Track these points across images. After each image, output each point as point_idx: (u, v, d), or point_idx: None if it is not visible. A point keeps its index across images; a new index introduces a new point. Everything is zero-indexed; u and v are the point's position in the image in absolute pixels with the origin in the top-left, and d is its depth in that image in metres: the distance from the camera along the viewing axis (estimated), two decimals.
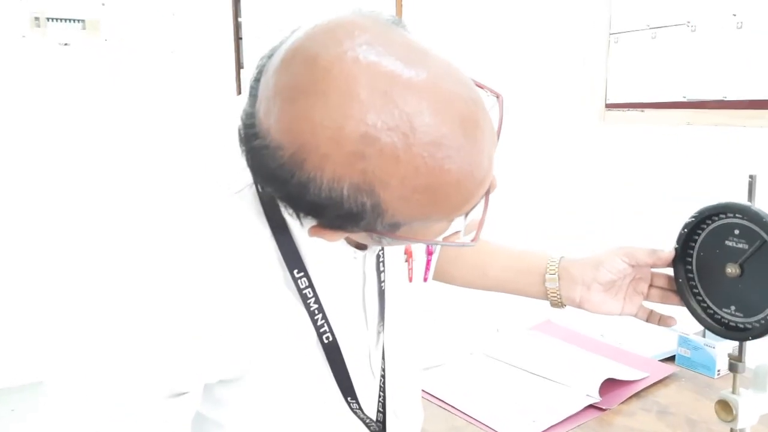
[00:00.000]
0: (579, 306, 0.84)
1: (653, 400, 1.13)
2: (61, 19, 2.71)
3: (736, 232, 0.68)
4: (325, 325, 0.61)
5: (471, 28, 3.45)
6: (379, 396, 0.71)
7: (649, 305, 0.82)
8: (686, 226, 0.72)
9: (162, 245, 0.55)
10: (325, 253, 0.59)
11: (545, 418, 1.05)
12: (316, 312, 0.60)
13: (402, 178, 0.45)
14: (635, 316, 0.83)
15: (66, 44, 2.73)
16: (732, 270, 0.68)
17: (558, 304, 0.85)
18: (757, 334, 0.66)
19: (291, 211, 0.50)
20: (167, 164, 0.65)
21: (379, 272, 0.66)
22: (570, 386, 1.13)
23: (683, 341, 1.25)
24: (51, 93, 2.76)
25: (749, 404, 0.69)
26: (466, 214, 0.52)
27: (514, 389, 1.15)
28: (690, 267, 0.73)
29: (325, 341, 0.61)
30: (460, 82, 0.48)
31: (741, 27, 2.13)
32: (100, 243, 0.60)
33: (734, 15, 2.15)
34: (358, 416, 0.70)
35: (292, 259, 0.58)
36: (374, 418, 0.72)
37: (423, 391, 1.15)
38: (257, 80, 0.49)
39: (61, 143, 2.79)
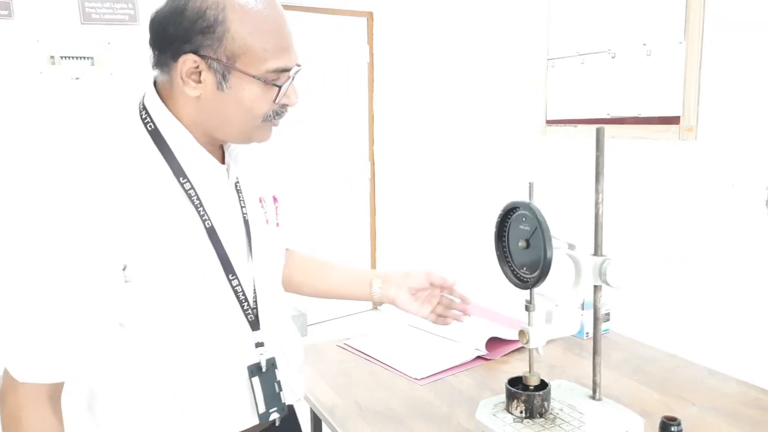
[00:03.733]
0: (393, 302, 1.18)
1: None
2: (73, 57, 3.09)
3: (524, 219, 1.05)
4: (206, 215, 0.86)
5: (434, 55, 3.84)
6: (253, 283, 0.93)
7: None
8: (499, 216, 1.09)
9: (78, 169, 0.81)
10: (199, 167, 0.87)
11: (442, 364, 1.42)
12: (199, 205, 0.85)
13: (241, 8, 0.80)
14: (426, 317, 1.19)
15: (77, 78, 3.11)
16: (522, 244, 1.04)
17: (378, 301, 1.19)
18: (534, 284, 1.02)
19: (168, 62, 0.83)
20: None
21: (239, 200, 0.94)
22: (464, 342, 1.49)
23: None
24: (65, 121, 3.14)
25: (537, 332, 1.06)
26: (285, 79, 0.84)
27: (420, 346, 1.52)
28: (504, 243, 1.10)
29: (207, 226, 0.86)
30: None
31: (650, 55, 2.50)
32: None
33: (644, 44, 2.52)
34: (237, 295, 0.90)
35: (178, 170, 0.85)
36: (250, 303, 0.92)
37: (350, 346, 1.53)
38: None
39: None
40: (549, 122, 3.01)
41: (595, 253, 1.07)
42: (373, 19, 4.01)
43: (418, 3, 3.90)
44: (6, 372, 0.83)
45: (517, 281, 1.08)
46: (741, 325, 2.18)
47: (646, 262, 2.48)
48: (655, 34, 2.47)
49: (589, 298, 1.10)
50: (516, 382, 1.09)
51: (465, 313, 1.21)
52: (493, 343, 1.50)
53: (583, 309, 1.52)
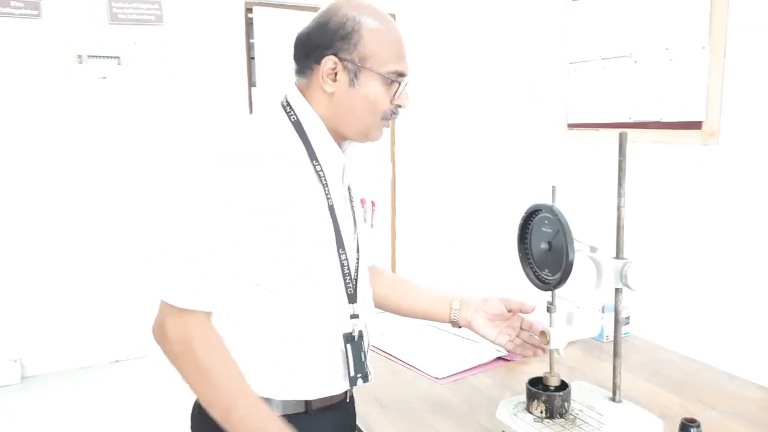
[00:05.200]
0: (469, 325, 1.23)
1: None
2: (100, 56, 3.16)
3: (546, 222, 1.06)
4: (329, 194, 1.02)
5: (455, 58, 3.86)
6: (356, 256, 1.09)
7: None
8: (522, 218, 1.11)
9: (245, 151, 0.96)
10: (327, 154, 1.03)
11: (463, 364, 1.43)
12: (325, 185, 1.02)
13: (372, 23, 1.01)
14: (504, 346, 1.23)
15: (104, 77, 3.18)
16: (545, 246, 1.06)
17: (456, 323, 1.24)
18: (556, 286, 1.04)
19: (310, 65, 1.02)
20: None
21: (349, 196, 1.10)
22: (484, 342, 1.51)
23: None
24: (91, 118, 3.22)
25: (558, 333, 1.07)
26: (399, 83, 1.03)
27: (441, 346, 1.53)
28: (527, 244, 1.11)
29: (329, 204, 1.02)
30: None
31: (673, 59, 2.49)
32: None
33: (667, 49, 2.51)
34: (342, 268, 1.04)
35: (312, 154, 1.02)
36: (351, 277, 1.06)
37: (372, 345, 1.55)
38: None
39: (102, 158, 3.25)
40: (571, 126, 3.01)
41: (617, 256, 1.08)
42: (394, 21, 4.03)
43: (439, 5, 3.92)
44: (164, 306, 0.95)
45: (539, 283, 1.10)
46: (762, 330, 2.16)
47: (667, 266, 2.47)
48: (677, 39, 2.46)
49: (610, 301, 1.12)
50: (536, 383, 1.10)
51: (542, 350, 1.23)
52: None
53: (603, 312, 1.53)
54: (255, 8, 3.62)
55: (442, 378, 1.38)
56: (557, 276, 1.04)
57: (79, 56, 3.12)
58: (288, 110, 1.05)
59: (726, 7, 2.27)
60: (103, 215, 3.26)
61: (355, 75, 1.01)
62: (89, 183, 3.23)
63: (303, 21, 1.05)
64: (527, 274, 1.11)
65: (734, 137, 2.28)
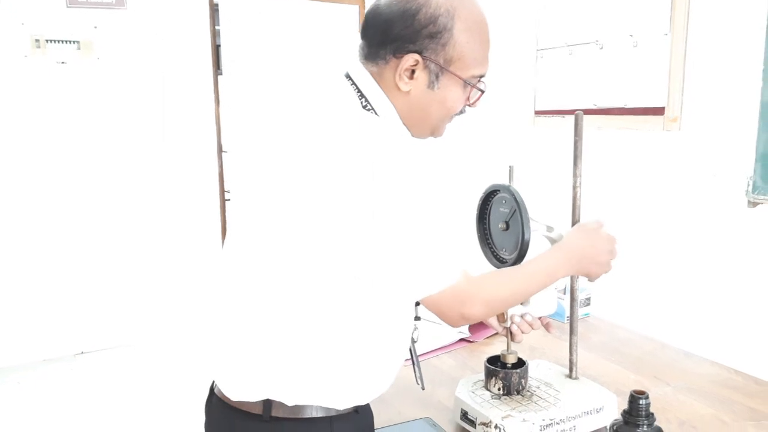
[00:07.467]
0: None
1: None
2: (58, 41, 3.07)
3: (504, 202, 1.06)
4: None
5: None
6: None
7: None
8: (480, 199, 1.11)
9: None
10: None
11: (426, 346, 1.44)
12: None
13: (466, 20, 0.90)
14: (500, 332, 1.17)
15: (63, 63, 3.10)
16: (502, 226, 1.06)
17: None
18: (512, 265, 1.04)
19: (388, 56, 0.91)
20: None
21: None
22: (447, 325, 1.51)
23: None
24: (50, 105, 3.13)
25: (514, 312, 1.08)
26: (477, 87, 0.95)
27: None
28: (486, 225, 1.11)
29: None
30: None
31: (636, 46, 2.52)
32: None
33: (631, 35, 2.54)
34: None
35: None
36: None
37: None
38: None
39: (60, 145, 3.17)
40: (537, 113, 3.03)
41: None
42: (364, 8, 4.00)
43: None
44: (443, 297, 0.89)
45: (497, 262, 1.10)
46: (718, 309, 2.22)
47: (629, 248, 2.51)
48: (641, 26, 2.49)
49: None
50: (494, 361, 1.11)
51: (532, 327, 1.15)
52: (476, 325, 1.52)
53: (565, 293, 1.55)
54: None
55: (406, 360, 1.38)
56: (513, 255, 1.05)
57: (37, 40, 3.03)
58: (365, 104, 0.92)
59: None
60: (61, 205, 3.19)
61: (437, 77, 0.92)
62: (47, 172, 3.15)
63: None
64: (485, 254, 1.12)
65: (695, 123, 2.32)
